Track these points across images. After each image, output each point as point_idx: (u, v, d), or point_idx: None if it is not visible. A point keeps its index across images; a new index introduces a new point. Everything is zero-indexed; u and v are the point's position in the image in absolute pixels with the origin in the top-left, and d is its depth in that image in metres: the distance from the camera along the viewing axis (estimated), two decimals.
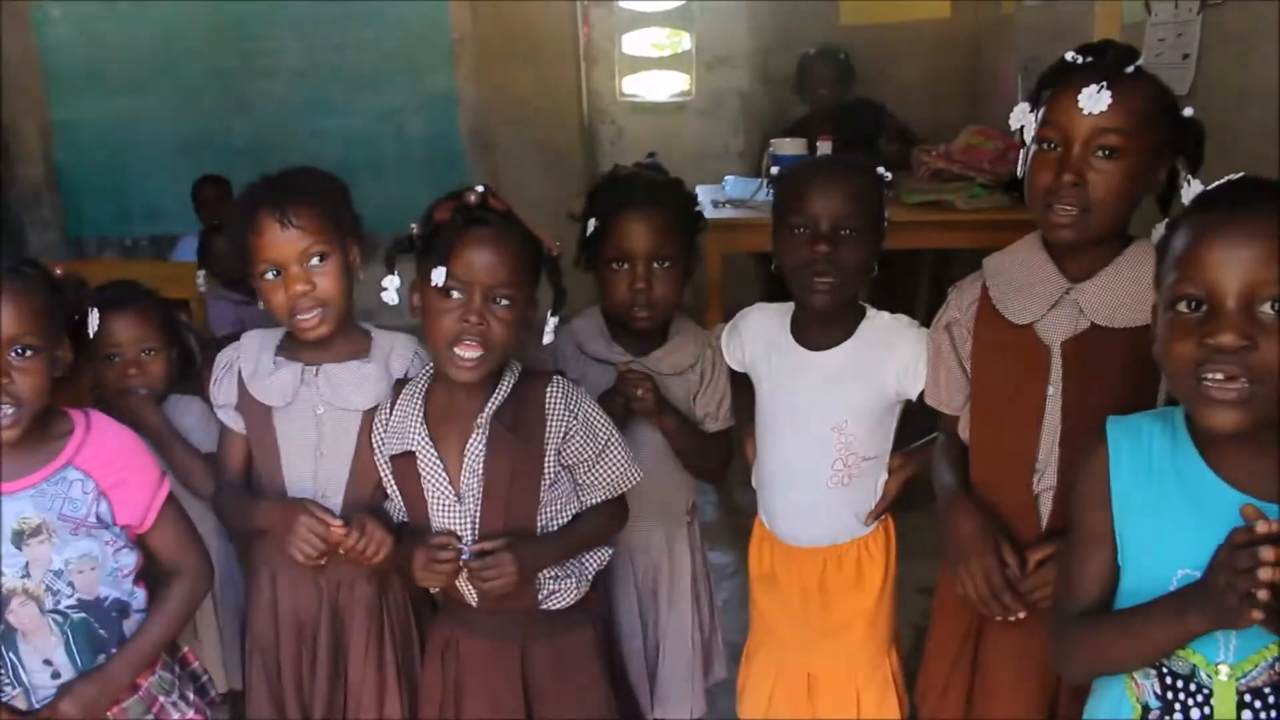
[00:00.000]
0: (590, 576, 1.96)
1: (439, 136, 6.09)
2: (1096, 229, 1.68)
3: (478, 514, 1.85)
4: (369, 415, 1.96)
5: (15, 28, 6.24)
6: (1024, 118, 1.73)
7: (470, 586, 1.88)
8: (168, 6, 6.03)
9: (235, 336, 2.11)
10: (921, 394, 2.00)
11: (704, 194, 4.36)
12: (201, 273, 4.00)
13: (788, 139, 4.26)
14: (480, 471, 1.84)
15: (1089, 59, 1.67)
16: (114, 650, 1.81)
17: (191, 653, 2.01)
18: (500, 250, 1.78)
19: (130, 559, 1.84)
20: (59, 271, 1.80)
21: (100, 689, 1.78)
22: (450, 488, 1.85)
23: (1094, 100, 1.62)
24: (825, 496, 2.08)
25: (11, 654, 1.77)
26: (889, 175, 2.11)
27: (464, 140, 6.10)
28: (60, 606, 1.77)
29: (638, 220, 2.07)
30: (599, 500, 1.93)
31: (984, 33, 5.67)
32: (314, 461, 1.96)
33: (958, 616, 1.90)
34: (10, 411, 1.69)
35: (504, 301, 1.78)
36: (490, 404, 1.84)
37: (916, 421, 2.12)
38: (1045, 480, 1.77)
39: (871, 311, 2.09)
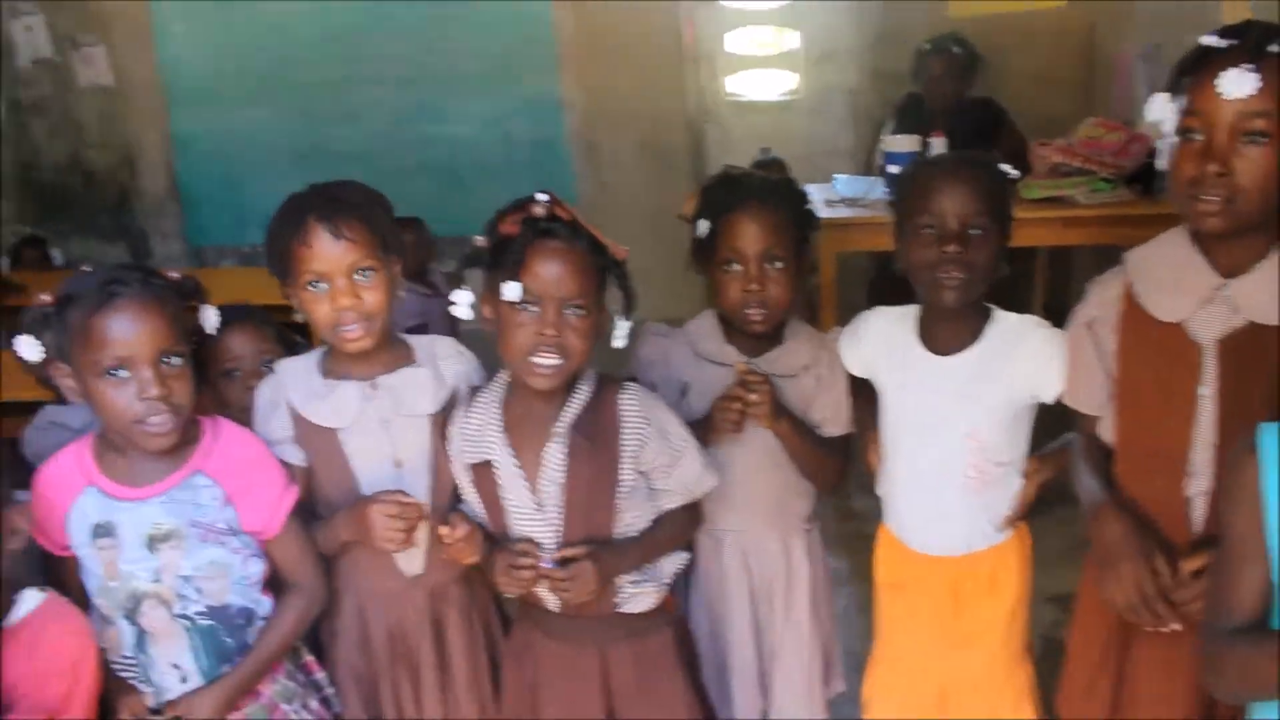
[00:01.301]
0: (668, 580, 1.96)
1: (544, 140, 6.13)
2: (1246, 218, 1.60)
3: (558, 521, 1.85)
4: (436, 419, 1.96)
5: (138, 45, 6.45)
6: (1163, 108, 1.65)
7: (550, 592, 1.87)
8: (280, 20, 6.17)
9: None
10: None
11: (814, 193, 4.29)
12: None
13: (900, 136, 4.17)
14: (559, 479, 1.84)
15: (1230, 41, 1.59)
16: (238, 657, 1.84)
17: (314, 662, 2.02)
18: (571, 261, 1.79)
19: (257, 567, 1.86)
20: (175, 276, 1.85)
21: (217, 700, 1.82)
22: (530, 496, 1.85)
23: (1239, 84, 1.54)
24: (958, 504, 2.03)
25: (143, 655, 1.82)
26: (1015, 172, 2.06)
27: (569, 143, 6.12)
28: (189, 612, 1.80)
29: (750, 221, 2.04)
30: (675, 505, 1.93)
31: (1101, 21, 5.48)
32: (393, 472, 1.95)
33: (1102, 623, 1.83)
34: (172, 420, 1.73)
35: (578, 311, 1.79)
36: (567, 412, 1.84)
37: (1045, 423, 2.05)
38: (1199, 483, 1.69)
39: (998, 313, 2.03)
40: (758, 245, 2.03)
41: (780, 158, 5.56)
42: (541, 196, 1.81)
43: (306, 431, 1.94)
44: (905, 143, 4.06)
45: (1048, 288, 5.12)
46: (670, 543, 1.95)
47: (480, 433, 1.87)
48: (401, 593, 1.98)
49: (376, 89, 6.25)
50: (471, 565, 1.96)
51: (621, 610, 1.90)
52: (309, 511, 1.97)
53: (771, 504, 2.14)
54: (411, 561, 1.97)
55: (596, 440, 1.83)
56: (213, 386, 2.09)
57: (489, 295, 1.83)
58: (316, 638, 2.05)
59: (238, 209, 6.64)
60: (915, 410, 2.04)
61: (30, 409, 2.46)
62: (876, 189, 4.15)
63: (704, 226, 2.08)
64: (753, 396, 2.01)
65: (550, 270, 1.77)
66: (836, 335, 2.17)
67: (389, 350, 1.98)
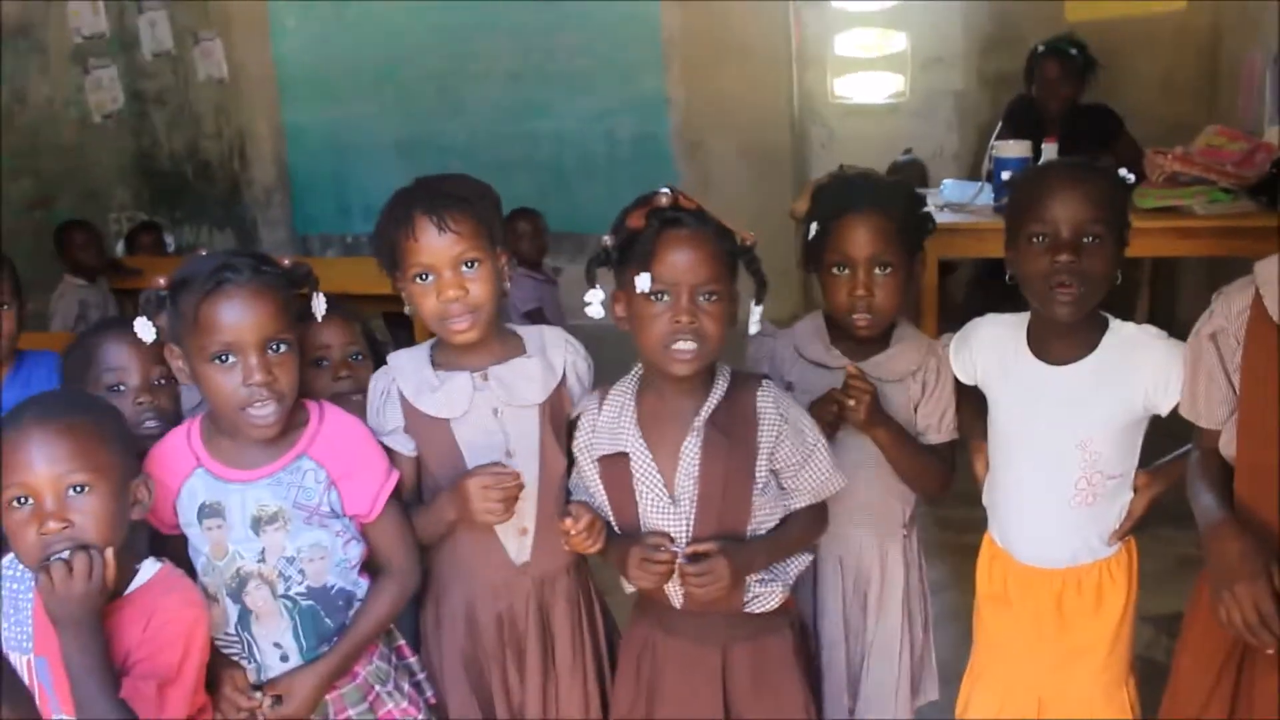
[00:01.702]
0: (792, 580, 1.94)
1: (648, 138, 6.14)
2: None
3: (692, 517, 1.84)
4: (545, 408, 1.97)
5: (254, 41, 6.64)
6: None
7: (678, 588, 1.86)
8: (390, 16, 6.28)
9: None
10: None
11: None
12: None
13: (1011, 141, 4.08)
14: (695, 474, 1.83)
15: None
16: (336, 638, 1.87)
17: (406, 646, 2.04)
18: (700, 247, 1.78)
19: (356, 551, 1.89)
20: (287, 263, 1.88)
21: (316, 680, 1.85)
22: (665, 490, 1.84)
23: None
24: (1067, 516, 1.99)
25: (247, 633, 1.85)
26: (1132, 178, 2.00)
27: (673, 142, 6.13)
28: (291, 592, 1.84)
29: (861, 225, 2.02)
30: (803, 505, 1.91)
31: (1225, 25, 5.32)
32: (504, 462, 1.96)
33: (1216, 646, 1.77)
34: (274, 408, 1.77)
35: (711, 297, 1.78)
36: (706, 407, 1.84)
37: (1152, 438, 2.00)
38: None
39: (1115, 323, 1.98)
40: (867, 250, 2.01)
41: (920, 160, 5.50)
42: (665, 190, 1.81)
43: (418, 422, 1.96)
44: (1016, 148, 3.97)
45: (1153, 299, 4.99)
46: (798, 543, 1.93)
47: (614, 425, 1.88)
48: (510, 581, 2.00)
49: (483, 85, 6.34)
50: (580, 556, 1.98)
51: (746, 610, 1.88)
52: (418, 501, 2.00)
53: (869, 508, 2.11)
54: (519, 550, 1.99)
55: (733, 435, 1.83)
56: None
57: (620, 293, 1.84)
58: (415, 625, 2.08)
59: (343, 199, 6.78)
60: (1025, 421, 2.00)
61: None
62: (984, 194, 4.08)
63: (815, 227, 2.06)
64: (850, 402, 1.98)
65: (680, 258, 1.77)
66: (946, 341, 2.13)
67: (499, 341, 1.99)
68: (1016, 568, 2.07)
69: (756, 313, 1.89)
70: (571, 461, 1.99)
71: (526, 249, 4.63)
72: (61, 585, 1.57)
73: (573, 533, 1.84)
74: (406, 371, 1.98)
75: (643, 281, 1.77)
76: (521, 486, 1.89)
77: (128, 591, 1.68)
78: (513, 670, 2.01)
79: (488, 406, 1.95)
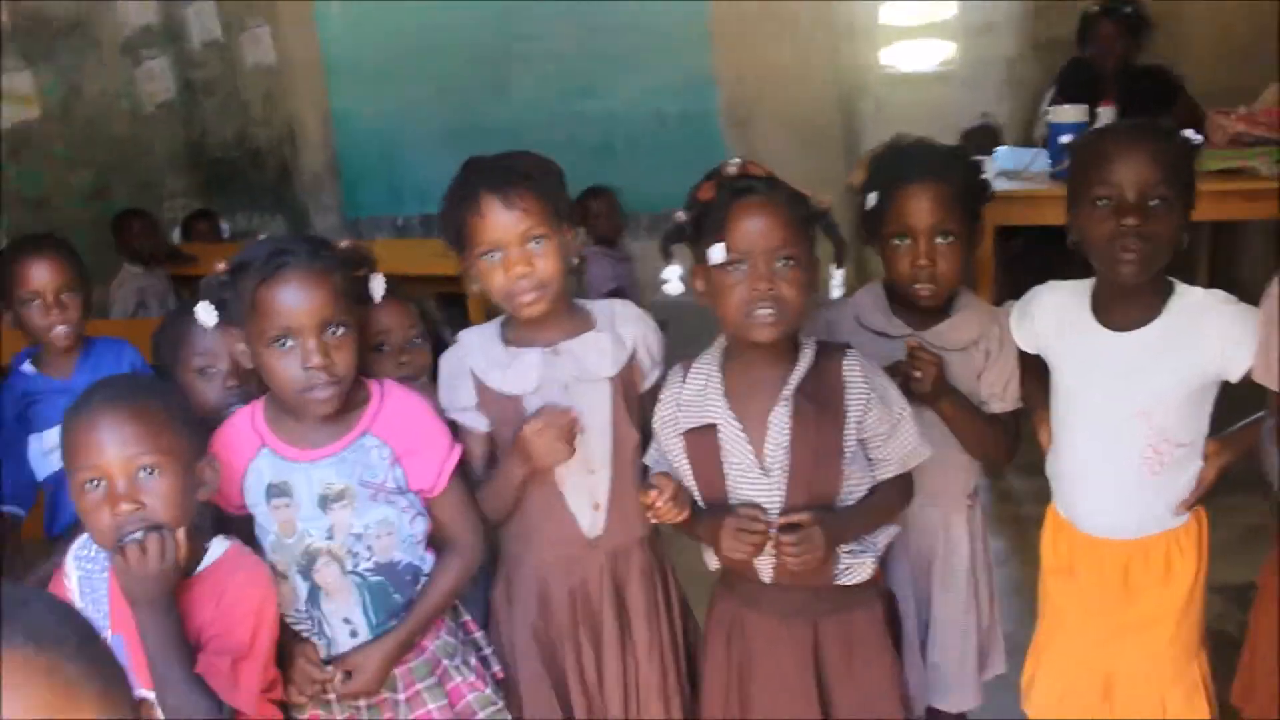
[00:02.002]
0: (882, 551, 1.92)
1: (696, 115, 6.10)
2: None
3: (783, 487, 1.83)
4: (616, 382, 1.97)
5: (300, 27, 6.67)
6: None
7: (767, 562, 1.85)
8: None
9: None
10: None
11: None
12: (581, 230, 4.35)
13: (1066, 106, 4.01)
14: (786, 444, 1.82)
15: None
16: (404, 613, 1.89)
17: (473, 622, 2.06)
18: (773, 213, 1.77)
19: (422, 526, 1.90)
20: (345, 244, 1.90)
21: (386, 654, 1.87)
22: (755, 460, 1.83)
23: None
24: (1133, 486, 1.96)
25: (317, 610, 1.88)
26: (1198, 138, 1.95)
27: (721, 118, 6.08)
28: (359, 568, 1.86)
29: (920, 194, 2.00)
30: (890, 475, 1.89)
31: None
32: (577, 437, 1.96)
33: None
34: (334, 389, 1.78)
35: (788, 262, 1.77)
36: (795, 375, 1.83)
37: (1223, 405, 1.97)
38: None
39: (1181, 287, 1.94)
40: (928, 219, 1.99)
41: (994, 124, 5.41)
42: (734, 160, 1.81)
43: (490, 399, 1.97)
44: (1072, 113, 3.91)
45: (1213, 262, 4.88)
46: (886, 514, 1.92)
47: (700, 398, 1.87)
48: (582, 556, 2.00)
49: (529, 65, 6.32)
50: (653, 531, 1.98)
51: (837, 582, 1.88)
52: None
53: (932, 479, 2.08)
54: (592, 524, 1.99)
55: (821, 404, 1.82)
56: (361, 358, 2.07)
57: (698, 267, 1.84)
58: (484, 602, 2.09)
59: (392, 183, 6.82)
60: (1090, 389, 1.97)
61: None
62: (1039, 161, 4.02)
63: (873, 198, 2.04)
64: (917, 373, 1.97)
65: (753, 225, 1.77)
66: (1008, 309, 2.11)
67: (569, 316, 2.00)
68: (1081, 539, 2.04)
69: (838, 276, 1.87)
70: (645, 436, 1.99)
71: (603, 228, 4.61)
72: (137, 565, 1.59)
73: (659, 504, 1.84)
74: (477, 349, 1.99)
75: (717, 252, 1.77)
76: (575, 420, 1.89)
77: (198, 570, 1.70)
78: (587, 646, 2.02)
79: (558, 381, 1.95)
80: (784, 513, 1.81)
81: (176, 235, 5.69)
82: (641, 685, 2.03)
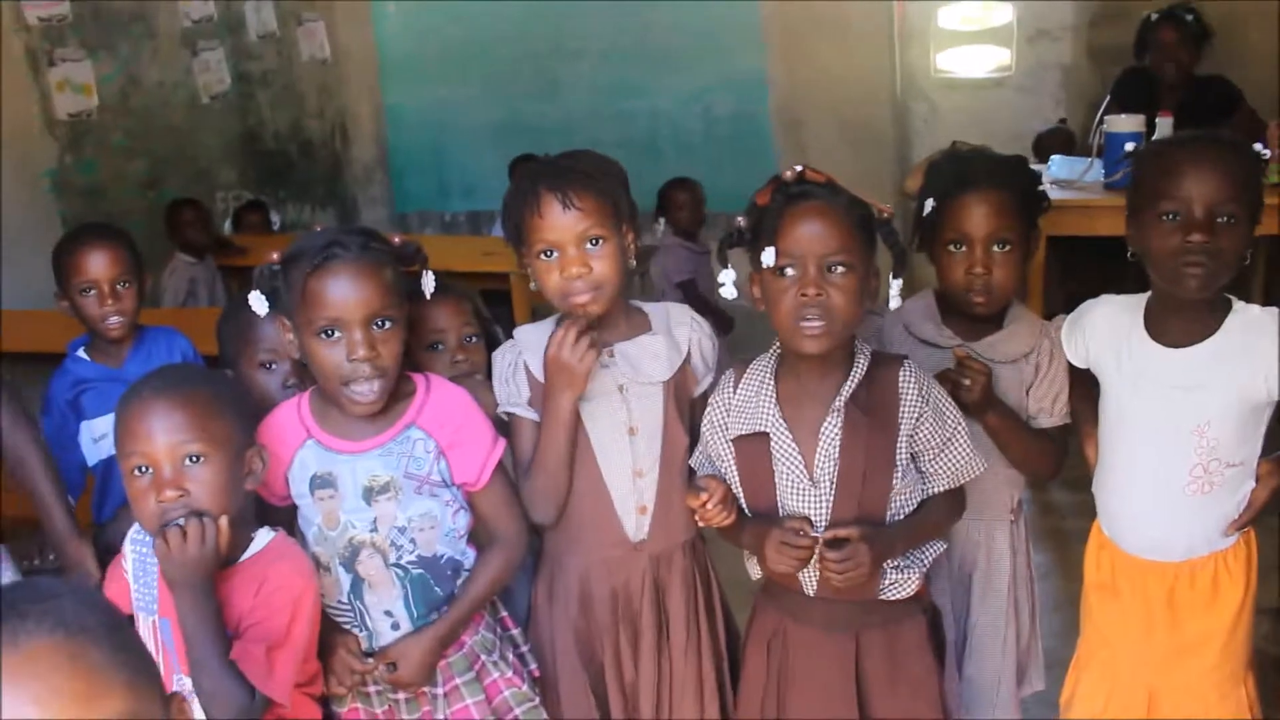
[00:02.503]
0: (928, 566, 1.90)
1: (746, 116, 6.09)
2: None
3: (831, 499, 1.81)
4: (669, 386, 1.96)
5: (356, 22, 6.74)
6: None
7: (813, 575, 1.84)
8: None
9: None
10: None
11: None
12: (661, 220, 4.61)
13: (1124, 115, 3.95)
14: (836, 455, 1.80)
15: None
16: (445, 606, 1.90)
17: (509, 619, 2.06)
18: (827, 219, 1.75)
19: (464, 520, 1.91)
20: (397, 240, 1.90)
21: (428, 647, 1.88)
22: (805, 471, 1.82)
23: None
24: (1182, 506, 1.93)
25: (359, 602, 1.89)
26: (1268, 153, 1.92)
27: (772, 119, 6.07)
28: (402, 561, 1.87)
29: (978, 202, 1.98)
30: (941, 489, 1.87)
31: None
32: (627, 440, 1.97)
33: None
34: (377, 385, 1.79)
35: (840, 269, 1.75)
36: (848, 386, 1.80)
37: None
38: None
39: (1239, 304, 1.91)
40: (985, 228, 1.97)
41: (1069, 129, 5.36)
42: (796, 167, 1.80)
43: (542, 397, 1.97)
44: (1129, 123, 3.85)
45: (1269, 277, 4.79)
46: (936, 529, 1.89)
47: (752, 405, 1.86)
48: (625, 558, 2.00)
49: (579, 64, 6.34)
50: (697, 536, 1.98)
51: (881, 596, 1.86)
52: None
53: (976, 492, 2.05)
54: (637, 528, 2.00)
55: (874, 416, 1.80)
56: (415, 359, 2.06)
57: (755, 273, 1.82)
58: (525, 600, 2.10)
59: (441, 178, 6.86)
60: (1139, 405, 1.94)
61: (31, 360, 2.61)
62: (1094, 171, 3.97)
63: (930, 205, 2.03)
64: (965, 383, 1.94)
65: (806, 229, 1.74)
66: (1059, 323, 2.08)
67: (625, 318, 2.00)
68: (1126, 559, 2.01)
69: (895, 286, 1.84)
70: (695, 440, 1.99)
71: (684, 220, 4.65)
72: (176, 551, 1.62)
73: (708, 506, 1.83)
74: (533, 347, 1.99)
75: (768, 256, 1.75)
76: (588, 327, 1.88)
77: (242, 559, 1.72)
78: (626, 647, 2.02)
79: (613, 383, 1.95)
80: (831, 525, 1.79)
81: (227, 226, 5.75)
82: (675, 688, 2.03)
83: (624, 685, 2.03)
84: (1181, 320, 1.90)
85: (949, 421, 1.84)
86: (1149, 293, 1.96)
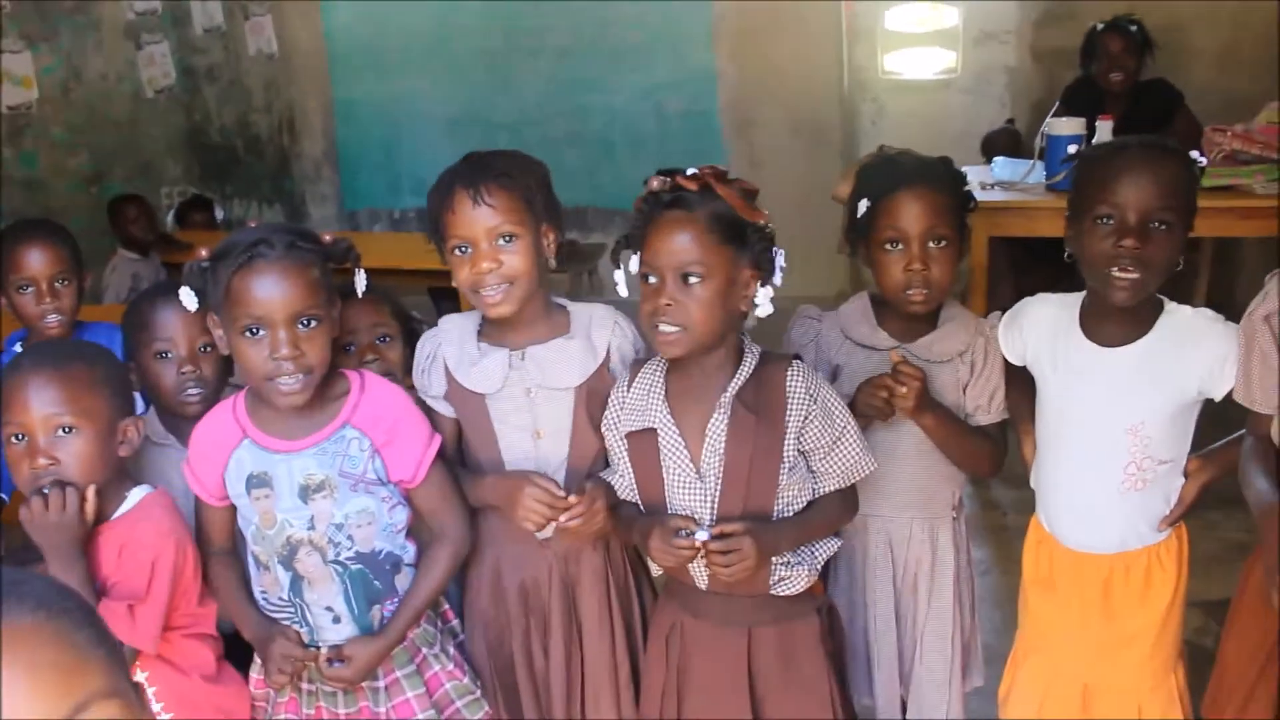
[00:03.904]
0: (820, 565, 1.92)
1: (698, 113, 6.11)
2: None
3: (717, 494, 1.84)
4: (580, 391, 1.97)
5: (304, 16, 6.67)
6: None
7: (702, 569, 1.86)
8: None
9: None
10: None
11: (971, 175, 4.15)
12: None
13: (1064, 119, 4.01)
14: (721, 451, 1.83)
15: None
16: (386, 599, 1.90)
17: (450, 611, 2.08)
18: (687, 230, 1.78)
19: (402, 516, 1.91)
20: (328, 238, 1.90)
21: (379, 649, 1.89)
22: (691, 465, 1.84)
23: None
24: (1115, 501, 1.96)
25: (299, 599, 1.89)
26: (1204, 160, 1.95)
27: (722, 117, 6.10)
28: (340, 557, 1.86)
29: (913, 200, 2.00)
30: (832, 488, 1.90)
31: None
32: (532, 442, 1.98)
33: (1262, 630, 1.76)
34: (301, 380, 1.79)
35: (695, 280, 1.77)
36: (733, 384, 1.83)
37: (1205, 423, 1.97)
38: None
39: (1170, 305, 1.95)
40: (920, 224, 1.99)
41: (1016, 129, 5.43)
42: (691, 170, 1.81)
43: (457, 391, 1.98)
44: (1070, 125, 3.91)
45: (1213, 281, 4.89)
46: (825, 527, 1.92)
47: (643, 402, 1.88)
48: (534, 552, 2.01)
49: (533, 60, 6.33)
50: (606, 531, 1.98)
51: (772, 593, 1.88)
52: (459, 463, 2.03)
53: (918, 491, 2.10)
54: (542, 529, 1.99)
55: (760, 414, 1.82)
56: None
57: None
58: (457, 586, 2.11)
59: (392, 175, 6.81)
60: (1075, 403, 1.97)
61: None
62: (1036, 172, 4.02)
63: (864, 206, 2.04)
64: (901, 389, 1.96)
65: (665, 241, 1.78)
66: (995, 321, 2.11)
67: (545, 319, 2.00)
68: (1063, 553, 2.04)
69: (764, 294, 1.86)
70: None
71: None
72: (39, 517, 1.73)
73: (561, 508, 1.88)
74: (453, 338, 2.01)
75: (633, 264, 1.80)
76: (569, 508, 1.90)
77: (114, 516, 1.81)
78: (535, 636, 2.03)
79: (520, 386, 1.96)
80: (717, 520, 1.81)
81: (171, 222, 5.67)
82: (589, 682, 2.04)
83: (534, 677, 2.04)
84: (1115, 321, 1.92)
85: (837, 421, 1.86)
86: (1085, 292, 1.99)
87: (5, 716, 0.78)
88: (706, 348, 1.82)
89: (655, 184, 1.80)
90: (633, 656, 2.07)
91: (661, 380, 1.89)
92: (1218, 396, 1.89)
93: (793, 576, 1.88)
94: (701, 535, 1.78)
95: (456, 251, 1.93)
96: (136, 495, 1.83)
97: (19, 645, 0.80)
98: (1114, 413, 1.92)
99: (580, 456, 1.99)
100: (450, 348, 2.00)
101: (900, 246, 2.00)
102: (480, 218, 1.89)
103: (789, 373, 1.84)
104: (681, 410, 1.86)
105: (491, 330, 2.00)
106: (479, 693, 2.01)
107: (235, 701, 1.95)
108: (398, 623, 1.90)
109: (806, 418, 1.82)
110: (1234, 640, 1.87)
